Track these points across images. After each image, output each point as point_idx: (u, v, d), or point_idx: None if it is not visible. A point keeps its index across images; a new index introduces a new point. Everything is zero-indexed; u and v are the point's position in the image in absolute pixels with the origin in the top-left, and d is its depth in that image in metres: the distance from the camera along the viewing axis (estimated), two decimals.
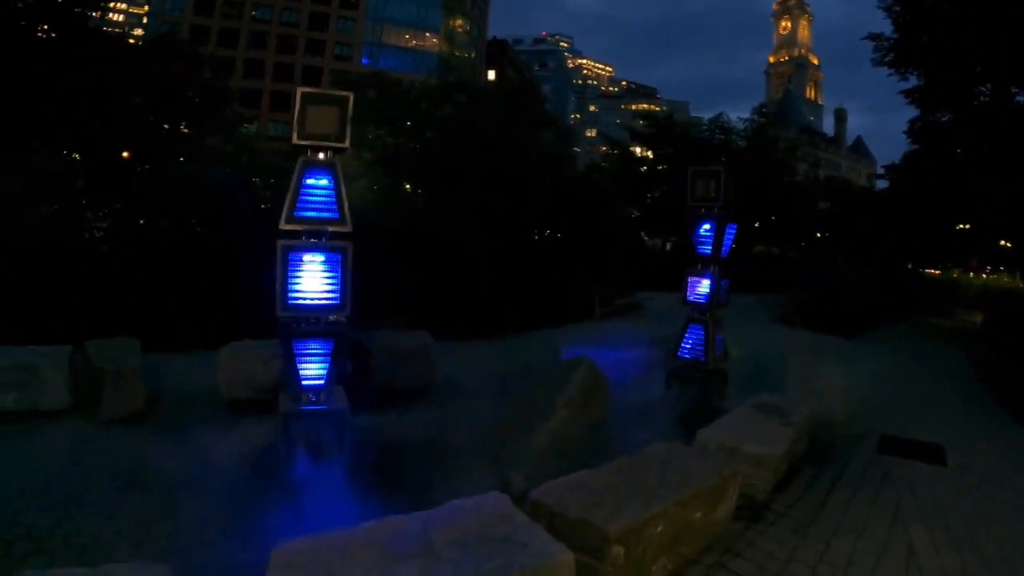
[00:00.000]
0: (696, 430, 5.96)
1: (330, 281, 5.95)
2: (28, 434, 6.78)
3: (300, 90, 6.03)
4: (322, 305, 5.96)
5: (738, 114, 41.68)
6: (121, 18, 79.74)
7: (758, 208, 35.85)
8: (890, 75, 22.84)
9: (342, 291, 5.97)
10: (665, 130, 39.30)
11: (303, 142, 5.96)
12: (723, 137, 38.36)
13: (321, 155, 6.03)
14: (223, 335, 8.33)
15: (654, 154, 40.12)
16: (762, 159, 38.62)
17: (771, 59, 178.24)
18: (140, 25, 72.69)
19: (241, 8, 70.04)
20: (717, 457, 5.08)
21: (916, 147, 24.79)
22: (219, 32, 67.61)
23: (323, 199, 6.02)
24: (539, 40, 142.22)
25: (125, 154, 17.53)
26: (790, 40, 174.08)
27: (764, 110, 40.38)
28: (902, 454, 7.32)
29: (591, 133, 43.92)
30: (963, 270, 40.40)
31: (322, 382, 6.06)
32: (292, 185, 5.97)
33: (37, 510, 5.31)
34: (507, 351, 11.28)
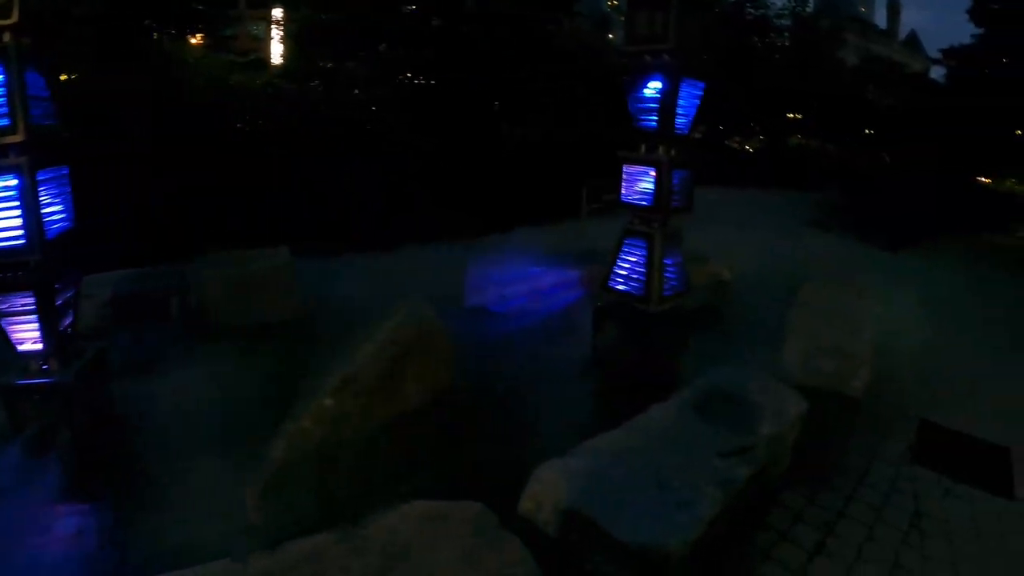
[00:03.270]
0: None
1: (9, 214, 4.02)
2: None
3: None
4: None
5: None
6: None
7: (796, 96, 31.91)
8: None
9: (28, 226, 4.02)
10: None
11: None
12: (756, 12, 33.44)
13: None
14: None
15: None
16: (801, 39, 34.22)
17: None
18: None
19: None
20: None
21: (981, 31, 20.88)
22: None
23: None
24: None
25: None
26: None
27: None
28: (948, 463, 4.88)
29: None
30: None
31: (39, 346, 4.31)
32: None
33: None
34: (413, 269, 8.58)
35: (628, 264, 5.65)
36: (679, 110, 5.34)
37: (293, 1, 19.23)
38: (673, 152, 5.48)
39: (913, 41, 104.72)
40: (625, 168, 5.59)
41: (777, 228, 15.14)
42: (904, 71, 40.28)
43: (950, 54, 22.91)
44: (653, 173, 5.35)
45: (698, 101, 5.50)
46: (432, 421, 4.08)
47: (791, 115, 33.84)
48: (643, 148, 5.53)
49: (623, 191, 5.63)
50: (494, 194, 13.03)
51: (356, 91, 15.26)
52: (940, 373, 6.63)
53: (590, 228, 12.71)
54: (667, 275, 5.54)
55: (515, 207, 12.78)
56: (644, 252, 5.49)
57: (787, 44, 35.43)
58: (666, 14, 5.15)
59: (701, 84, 5.47)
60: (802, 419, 4.11)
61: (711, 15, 5.60)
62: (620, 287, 5.71)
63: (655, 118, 5.32)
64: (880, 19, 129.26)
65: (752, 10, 33.13)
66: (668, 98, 5.20)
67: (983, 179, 32.76)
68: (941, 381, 6.42)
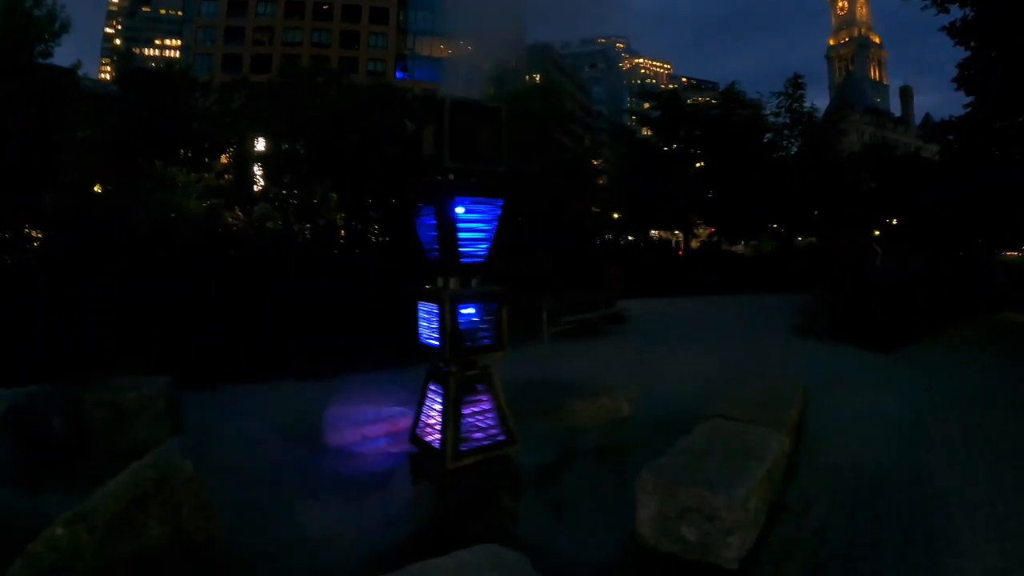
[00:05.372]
0: None
1: None
2: None
3: None
4: None
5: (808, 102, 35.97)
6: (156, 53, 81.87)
7: (799, 194, 31.08)
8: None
9: None
10: (673, 111, 34.75)
11: None
12: (745, 112, 33.27)
13: None
14: None
15: (670, 139, 35.53)
16: (801, 136, 33.88)
17: (831, 42, 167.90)
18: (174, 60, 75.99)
19: (271, 34, 70.95)
20: None
21: (971, 99, 20.23)
22: (252, 59, 68.63)
23: None
24: (587, 41, 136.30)
25: None
26: (849, 20, 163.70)
27: (800, 80, 34.77)
28: None
29: (647, 132, 42.26)
30: None
31: None
32: None
33: None
34: (315, 398, 7.98)
35: (434, 412, 4.78)
36: (467, 235, 4.65)
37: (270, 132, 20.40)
38: (474, 282, 4.75)
39: (928, 125, 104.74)
40: (419, 305, 4.86)
41: (752, 338, 13.92)
42: (894, 152, 39.41)
43: (941, 129, 22.07)
44: (436, 311, 4.58)
45: (496, 222, 4.80)
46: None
47: (798, 214, 32.85)
48: (439, 281, 4.82)
49: (420, 331, 4.87)
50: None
51: (268, 224, 15.48)
52: (899, 530, 4.69)
53: (553, 354, 11.90)
54: (473, 424, 4.64)
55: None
56: (442, 400, 4.63)
57: (790, 143, 35.15)
58: (440, 128, 4.59)
59: (498, 201, 4.79)
60: None
61: (501, 121, 4.91)
62: (428, 437, 4.81)
63: (435, 248, 4.64)
64: (895, 107, 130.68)
65: (741, 111, 33.20)
66: (444, 223, 4.52)
67: (1009, 253, 30.89)
68: (896, 540, 4.77)
